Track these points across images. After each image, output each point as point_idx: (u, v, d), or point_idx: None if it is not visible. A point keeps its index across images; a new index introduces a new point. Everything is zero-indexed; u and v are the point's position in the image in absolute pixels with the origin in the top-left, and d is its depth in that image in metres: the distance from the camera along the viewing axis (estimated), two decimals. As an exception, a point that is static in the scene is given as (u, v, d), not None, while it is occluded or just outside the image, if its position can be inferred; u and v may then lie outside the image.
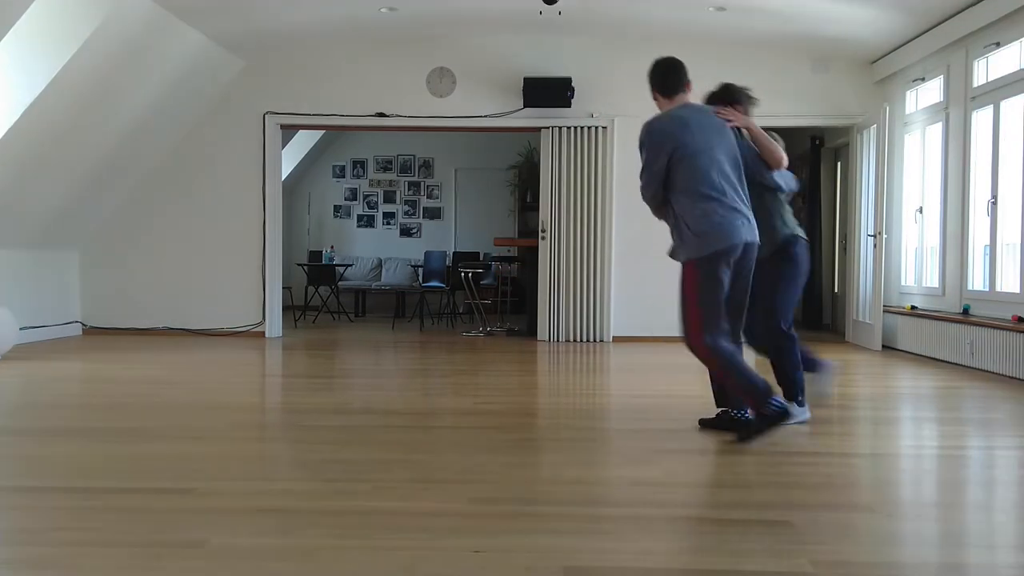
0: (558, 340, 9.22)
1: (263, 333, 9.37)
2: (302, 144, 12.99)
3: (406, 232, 14.02)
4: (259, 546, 2.72)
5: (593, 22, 8.52)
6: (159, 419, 4.85)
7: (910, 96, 8.55)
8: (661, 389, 6.15)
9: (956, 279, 7.49)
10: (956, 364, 7.16)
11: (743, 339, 4.36)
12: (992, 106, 7.02)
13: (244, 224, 9.38)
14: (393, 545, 2.70)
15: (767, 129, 4.46)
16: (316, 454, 4.03)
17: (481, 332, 10.02)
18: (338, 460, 3.88)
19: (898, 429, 4.67)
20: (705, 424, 4.45)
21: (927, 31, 7.84)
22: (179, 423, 4.74)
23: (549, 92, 9.01)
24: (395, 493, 3.32)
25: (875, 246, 8.46)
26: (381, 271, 13.39)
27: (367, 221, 14.05)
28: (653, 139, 4.18)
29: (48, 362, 7.27)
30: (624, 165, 9.03)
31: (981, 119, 7.21)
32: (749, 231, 4.09)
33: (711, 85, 4.59)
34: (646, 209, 4.35)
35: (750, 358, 4.44)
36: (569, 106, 9.06)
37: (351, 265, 13.04)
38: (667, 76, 4.28)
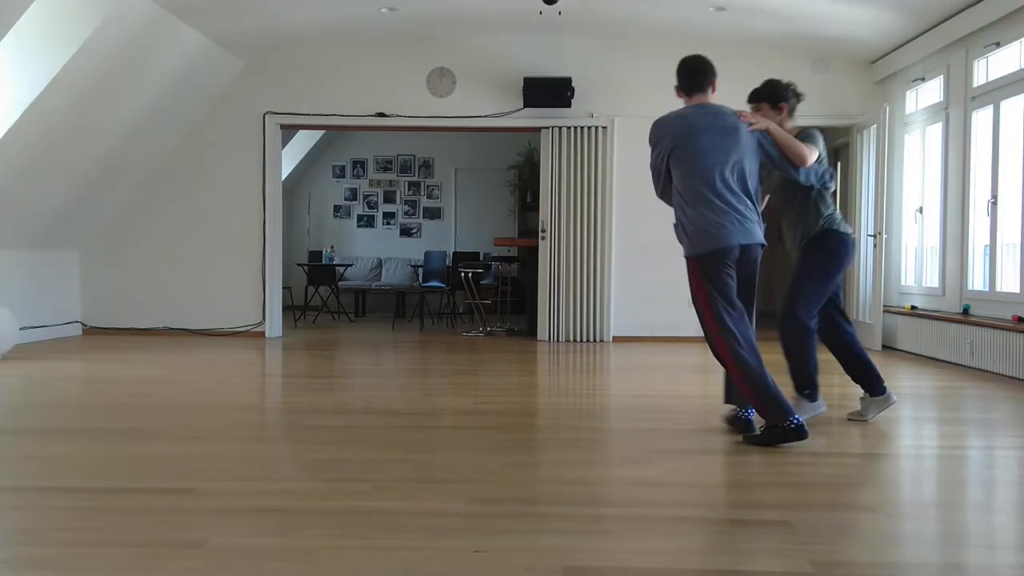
0: (558, 340, 9.22)
1: (263, 333, 9.37)
2: (302, 144, 12.99)
3: (406, 232, 14.02)
4: (259, 546, 2.72)
5: (593, 22, 8.52)
6: (159, 419, 4.85)
7: (910, 96, 8.55)
8: (661, 389, 6.15)
9: (956, 279, 7.49)
10: (956, 364, 7.16)
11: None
12: (992, 106, 7.02)
13: (244, 224, 9.38)
14: (393, 545, 2.70)
15: (804, 128, 4.45)
16: (316, 454, 4.03)
17: (481, 332, 10.02)
18: (338, 460, 3.88)
19: (898, 429, 4.66)
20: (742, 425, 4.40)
21: (927, 31, 7.84)
22: (179, 423, 4.74)
23: (549, 92, 9.00)
24: (395, 493, 3.32)
25: (875, 246, 8.46)
26: (381, 271, 13.39)
27: (367, 221, 14.05)
28: (653, 137, 4.28)
29: (48, 362, 7.27)
30: (624, 165, 9.03)
31: (981, 119, 7.21)
32: (744, 234, 4.08)
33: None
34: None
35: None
36: (569, 106, 9.06)
37: (351, 265, 13.04)
38: (686, 75, 4.29)
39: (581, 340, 9.24)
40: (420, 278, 12.00)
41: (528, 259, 10.03)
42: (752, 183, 4.17)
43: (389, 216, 14.05)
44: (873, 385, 4.66)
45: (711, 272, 4.07)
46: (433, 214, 14.00)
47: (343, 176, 14.04)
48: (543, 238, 9.32)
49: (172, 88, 8.55)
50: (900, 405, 5.45)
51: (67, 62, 6.90)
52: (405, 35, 9.07)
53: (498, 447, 4.21)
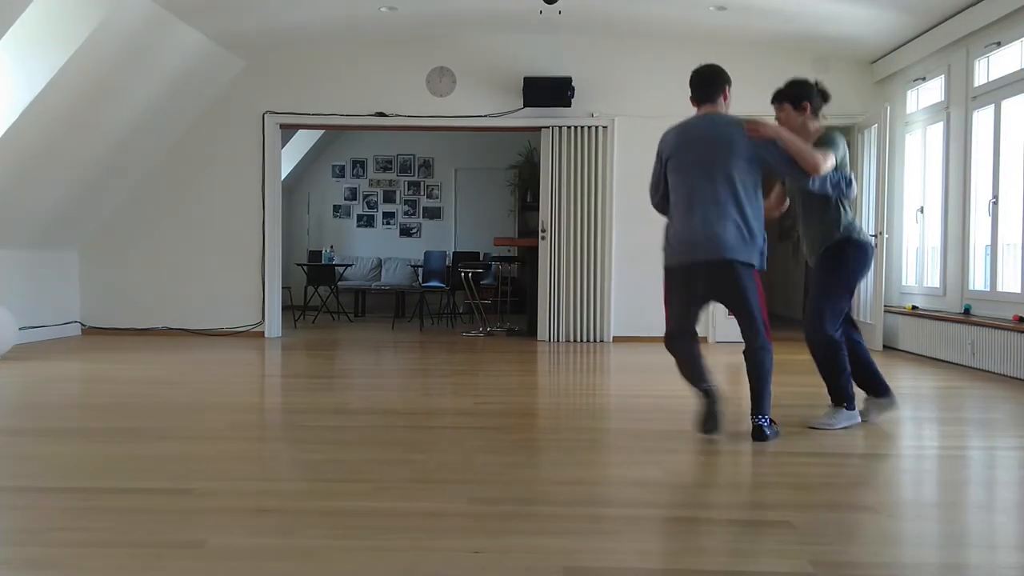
0: (558, 340, 9.22)
1: (262, 333, 9.37)
2: (302, 144, 12.99)
3: (406, 232, 14.02)
4: (259, 546, 2.71)
5: (593, 22, 8.51)
6: (159, 419, 4.84)
7: (911, 96, 8.55)
8: (661, 389, 6.13)
9: (957, 279, 7.48)
10: (957, 364, 7.16)
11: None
12: (993, 106, 7.02)
13: (244, 224, 9.38)
14: (393, 545, 2.69)
15: (828, 130, 4.35)
16: (316, 454, 4.03)
17: (481, 332, 10.02)
18: (338, 460, 3.88)
19: (899, 429, 4.66)
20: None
21: (928, 31, 7.84)
22: (179, 423, 4.74)
23: (549, 92, 9.00)
24: (395, 493, 3.32)
25: (876, 246, 8.45)
26: (381, 271, 13.38)
27: (367, 221, 14.05)
28: (658, 147, 4.35)
29: (48, 362, 7.27)
30: (624, 165, 9.03)
31: (982, 119, 7.21)
32: (712, 249, 4.05)
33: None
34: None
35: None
36: (569, 106, 9.06)
37: (351, 265, 13.04)
38: (695, 86, 4.30)
39: (581, 340, 9.23)
40: (420, 278, 11.99)
41: (528, 259, 10.02)
42: (747, 194, 4.08)
43: (389, 216, 14.04)
44: (877, 389, 4.65)
45: (667, 285, 4.27)
46: (433, 214, 14.00)
47: (343, 176, 14.04)
48: (543, 238, 9.32)
49: (172, 88, 8.55)
50: (901, 405, 5.44)
51: (66, 62, 6.90)
52: (405, 35, 9.07)
53: (498, 447, 4.20)
